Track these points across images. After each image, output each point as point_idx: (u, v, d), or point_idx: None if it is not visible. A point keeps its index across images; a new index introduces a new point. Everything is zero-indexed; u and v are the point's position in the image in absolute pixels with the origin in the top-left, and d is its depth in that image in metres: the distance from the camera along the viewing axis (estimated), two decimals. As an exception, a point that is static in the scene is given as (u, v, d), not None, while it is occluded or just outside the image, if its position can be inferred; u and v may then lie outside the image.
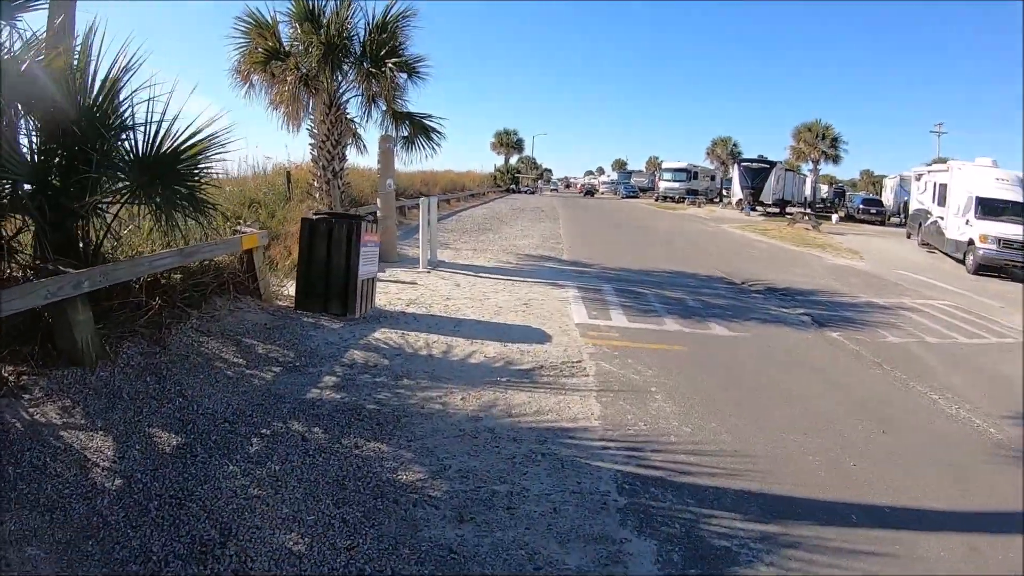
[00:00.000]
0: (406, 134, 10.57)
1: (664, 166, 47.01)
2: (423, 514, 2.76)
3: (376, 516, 2.72)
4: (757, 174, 33.56)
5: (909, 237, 20.71)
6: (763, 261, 13.65)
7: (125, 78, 4.08)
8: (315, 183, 10.13)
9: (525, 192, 48.77)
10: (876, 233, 24.39)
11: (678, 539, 2.72)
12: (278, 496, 2.81)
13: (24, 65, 3.66)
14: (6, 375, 3.34)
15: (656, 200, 43.34)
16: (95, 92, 3.99)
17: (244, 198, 9.02)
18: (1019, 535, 2.97)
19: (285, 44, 9.54)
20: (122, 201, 4.34)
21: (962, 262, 14.26)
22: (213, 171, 4.69)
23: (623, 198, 49.72)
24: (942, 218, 16.41)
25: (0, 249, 3.82)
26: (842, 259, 14.84)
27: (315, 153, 10.08)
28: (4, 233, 3.91)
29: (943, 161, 22.60)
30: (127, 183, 4.18)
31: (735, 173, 36.74)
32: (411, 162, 11.28)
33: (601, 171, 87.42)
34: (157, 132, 4.14)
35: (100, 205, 4.28)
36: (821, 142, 36.00)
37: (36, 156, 3.93)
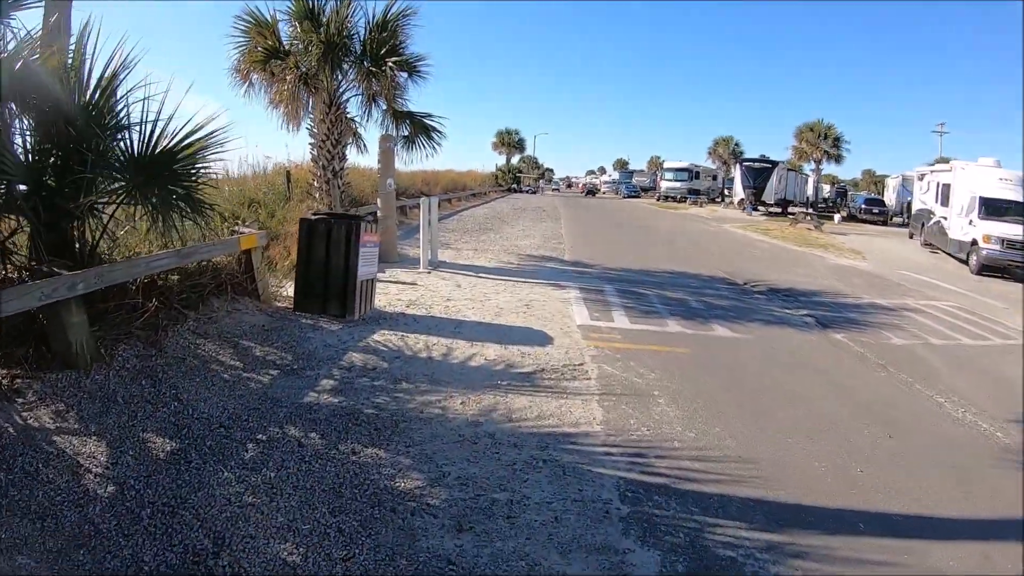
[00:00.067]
0: (406, 133, 10.50)
1: (666, 166, 46.95)
2: (421, 523, 2.71)
3: (373, 525, 2.66)
4: (759, 174, 33.47)
5: (912, 237, 20.63)
6: (765, 261, 13.58)
7: (121, 77, 4.03)
8: (315, 183, 10.07)
9: (527, 192, 48.67)
10: (878, 233, 24.31)
11: (682, 549, 2.66)
12: (273, 504, 2.76)
13: (19, 64, 3.61)
14: (-1, 379, 3.29)
15: (658, 200, 43.27)
16: (91, 91, 3.95)
17: (244, 198, 8.94)
18: None
19: (285, 43, 9.48)
20: (118, 202, 4.28)
21: (965, 262, 14.18)
22: (211, 171, 4.63)
23: (625, 198, 49.64)
24: (945, 218, 16.33)
25: (-5, 251, 3.78)
26: (845, 259, 14.76)
27: (315, 152, 10.01)
28: (-2, 234, 3.87)
29: (945, 161, 22.49)
30: (123, 183, 4.11)
31: (737, 173, 36.68)
32: (412, 162, 11.23)
33: (603, 171, 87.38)
34: (153, 131, 4.08)
35: (96, 206, 4.22)
36: (823, 142, 35.85)
37: (31, 156, 3.88)
